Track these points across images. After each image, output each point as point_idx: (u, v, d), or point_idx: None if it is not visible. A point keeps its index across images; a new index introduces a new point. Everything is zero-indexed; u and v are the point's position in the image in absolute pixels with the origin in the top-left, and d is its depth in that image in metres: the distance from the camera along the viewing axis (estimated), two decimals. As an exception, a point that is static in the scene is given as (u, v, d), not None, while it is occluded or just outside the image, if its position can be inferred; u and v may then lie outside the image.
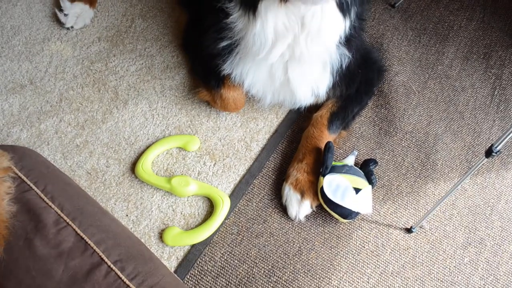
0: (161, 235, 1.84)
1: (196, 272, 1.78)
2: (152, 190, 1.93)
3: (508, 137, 1.46)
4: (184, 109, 2.11)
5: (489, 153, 1.49)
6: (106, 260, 1.22)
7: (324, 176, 1.85)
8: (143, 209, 1.89)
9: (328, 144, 1.87)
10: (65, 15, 2.31)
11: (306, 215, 1.90)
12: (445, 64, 2.38)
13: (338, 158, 2.04)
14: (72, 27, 2.32)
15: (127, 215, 1.88)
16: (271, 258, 1.82)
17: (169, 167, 1.99)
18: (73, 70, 2.20)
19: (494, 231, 1.94)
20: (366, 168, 1.98)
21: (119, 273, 1.20)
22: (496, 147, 1.48)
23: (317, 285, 1.78)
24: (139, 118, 2.10)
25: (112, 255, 1.23)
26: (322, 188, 1.83)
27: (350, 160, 2.00)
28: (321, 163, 1.88)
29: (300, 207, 1.88)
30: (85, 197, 1.45)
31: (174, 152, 2.02)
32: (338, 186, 1.83)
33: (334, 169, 1.89)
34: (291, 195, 1.89)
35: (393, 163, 2.06)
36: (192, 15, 2.25)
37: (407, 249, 1.87)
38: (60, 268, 1.18)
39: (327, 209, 1.85)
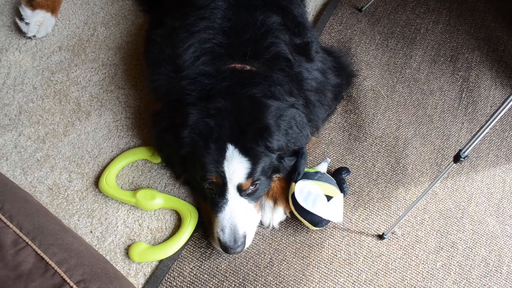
0: (127, 251, 1.78)
1: (164, 288, 1.73)
2: (117, 205, 1.87)
3: (476, 141, 1.46)
4: (149, 120, 2.04)
5: (457, 158, 1.48)
6: (68, 280, 1.19)
7: (296, 182, 1.82)
8: (108, 224, 1.83)
9: (301, 150, 1.84)
10: (27, 24, 2.23)
11: (280, 222, 1.87)
12: (413, 67, 2.39)
13: (308, 165, 2.01)
14: (34, 36, 2.24)
15: (91, 232, 1.81)
16: (241, 271, 1.78)
17: (134, 180, 1.93)
18: (33, 81, 2.13)
19: (465, 234, 1.94)
20: (338, 176, 1.96)
21: (82, 293, 1.16)
22: (463, 152, 1.47)
23: (290, 296, 1.75)
24: (103, 130, 2.03)
25: (75, 275, 1.20)
26: (293, 194, 1.80)
27: (322, 167, 1.98)
28: (293, 169, 1.85)
29: (274, 214, 1.85)
30: (46, 214, 1.40)
31: (139, 164, 1.97)
32: (310, 193, 1.80)
33: (306, 176, 1.86)
34: (263, 203, 1.85)
35: (364, 169, 2.05)
36: (154, 18, 2.20)
37: (380, 256, 1.86)
38: (19, 291, 1.12)
39: (298, 216, 1.82)
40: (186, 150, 1.67)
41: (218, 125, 1.62)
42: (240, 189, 1.69)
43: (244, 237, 1.71)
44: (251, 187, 1.71)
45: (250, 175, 1.66)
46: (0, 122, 2.01)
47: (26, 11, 2.24)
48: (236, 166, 1.63)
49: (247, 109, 1.65)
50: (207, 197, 1.75)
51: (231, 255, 1.79)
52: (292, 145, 1.73)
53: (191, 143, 1.65)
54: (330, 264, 1.82)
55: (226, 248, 1.70)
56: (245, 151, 1.63)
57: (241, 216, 1.71)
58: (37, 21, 2.24)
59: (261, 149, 1.65)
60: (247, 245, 1.75)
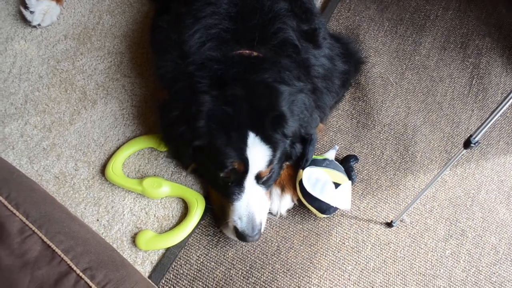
0: (134, 240, 1.77)
1: (171, 276, 1.72)
2: (123, 193, 1.86)
3: (487, 127, 1.43)
4: (155, 110, 2.03)
5: (467, 144, 1.45)
6: (74, 268, 1.17)
7: (303, 169, 1.80)
8: (114, 212, 1.82)
9: (310, 137, 1.81)
10: (31, 12, 2.21)
11: (288, 210, 1.85)
12: (423, 54, 2.35)
13: (316, 152, 1.99)
14: (39, 24, 2.23)
15: (98, 220, 1.81)
16: (249, 258, 1.77)
17: (141, 168, 1.92)
18: (39, 70, 2.12)
19: (475, 222, 1.92)
20: (346, 163, 1.94)
21: (88, 281, 1.15)
22: (474, 138, 1.44)
23: (297, 284, 1.73)
24: (109, 118, 2.02)
25: (81, 263, 1.18)
26: (301, 181, 1.79)
27: (330, 155, 1.96)
28: (301, 156, 1.83)
29: (281, 201, 1.84)
30: (52, 203, 1.39)
31: (145, 152, 1.95)
32: (318, 180, 1.79)
33: (314, 163, 1.85)
34: (271, 191, 1.84)
35: (372, 156, 2.02)
36: (160, 6, 2.18)
37: (388, 244, 1.84)
38: (26, 279, 1.12)
39: (305, 202, 1.80)
40: (202, 140, 1.64)
41: (236, 113, 1.60)
42: (258, 176, 1.68)
43: (261, 224, 1.71)
44: (267, 174, 1.70)
45: (270, 162, 1.65)
46: (6, 111, 2.01)
47: (31, 0, 2.23)
48: (258, 154, 1.62)
49: (262, 95, 1.63)
50: (221, 186, 1.73)
51: (238, 243, 1.78)
52: (303, 129, 1.71)
53: (208, 132, 1.62)
54: (338, 252, 1.81)
55: (244, 237, 1.68)
56: (266, 138, 1.62)
57: (257, 204, 1.70)
58: (42, 9, 2.22)
59: (279, 136, 1.64)
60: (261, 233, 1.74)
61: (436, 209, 1.93)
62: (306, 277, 1.75)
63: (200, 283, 1.71)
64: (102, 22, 2.28)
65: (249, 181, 1.67)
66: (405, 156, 2.04)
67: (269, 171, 1.68)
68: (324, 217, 1.85)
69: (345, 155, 2.00)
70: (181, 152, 1.81)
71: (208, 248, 1.77)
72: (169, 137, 1.82)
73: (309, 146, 1.79)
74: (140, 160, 1.93)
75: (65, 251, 1.19)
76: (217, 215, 1.81)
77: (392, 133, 2.09)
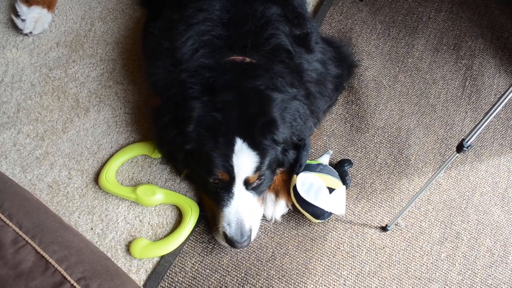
0: (128, 248, 1.76)
1: (166, 284, 1.71)
2: (117, 201, 1.85)
3: (479, 130, 1.43)
4: (149, 116, 2.02)
5: (460, 148, 1.45)
6: (68, 278, 1.16)
7: (297, 174, 1.80)
8: (108, 221, 1.81)
9: (303, 142, 1.81)
10: (23, 20, 2.21)
11: (282, 215, 1.85)
12: (415, 56, 2.35)
13: (310, 157, 1.99)
14: (30, 32, 2.22)
15: (92, 229, 1.80)
16: (243, 265, 1.76)
17: (134, 176, 1.91)
18: (31, 78, 2.11)
19: (470, 224, 1.92)
20: (340, 168, 1.94)
21: (83, 291, 1.14)
22: (466, 142, 1.44)
23: (293, 290, 1.73)
24: (102, 126, 2.01)
25: (75, 272, 1.18)
26: (295, 186, 1.78)
27: (324, 159, 1.96)
28: (295, 161, 1.83)
29: (276, 207, 1.83)
30: (46, 212, 1.38)
31: (139, 159, 1.95)
32: (312, 185, 1.78)
33: (308, 168, 1.84)
34: (265, 196, 1.83)
35: (366, 160, 2.02)
36: (152, 11, 2.18)
37: (383, 248, 1.84)
38: (20, 290, 1.11)
39: (299, 208, 1.80)
40: (191, 145, 1.64)
41: (225, 119, 1.60)
42: (247, 182, 1.67)
43: (250, 230, 1.71)
44: (257, 181, 1.70)
45: (258, 168, 1.65)
46: (-1, 120, 2.00)
47: (22, 8, 2.22)
48: (245, 160, 1.62)
49: (253, 102, 1.63)
50: (212, 191, 1.73)
51: (233, 250, 1.77)
52: (296, 137, 1.71)
53: (197, 137, 1.62)
54: (333, 257, 1.80)
55: (232, 243, 1.68)
56: (253, 144, 1.61)
57: (247, 210, 1.70)
58: (33, 17, 2.21)
59: (268, 142, 1.63)
60: (252, 239, 1.74)
61: (431, 212, 1.93)
62: (301, 283, 1.74)
63: (195, 291, 1.71)
64: (94, 29, 2.27)
65: (238, 187, 1.67)
66: (399, 159, 2.04)
67: (258, 177, 1.68)
68: (318, 222, 1.84)
69: (339, 159, 2.00)
70: (174, 156, 1.81)
71: (203, 255, 1.77)
72: (163, 142, 1.81)
73: (302, 151, 1.79)
74: (134, 167, 1.93)
75: (59, 261, 1.18)
76: (210, 221, 1.80)
77: (386, 136, 2.09)
